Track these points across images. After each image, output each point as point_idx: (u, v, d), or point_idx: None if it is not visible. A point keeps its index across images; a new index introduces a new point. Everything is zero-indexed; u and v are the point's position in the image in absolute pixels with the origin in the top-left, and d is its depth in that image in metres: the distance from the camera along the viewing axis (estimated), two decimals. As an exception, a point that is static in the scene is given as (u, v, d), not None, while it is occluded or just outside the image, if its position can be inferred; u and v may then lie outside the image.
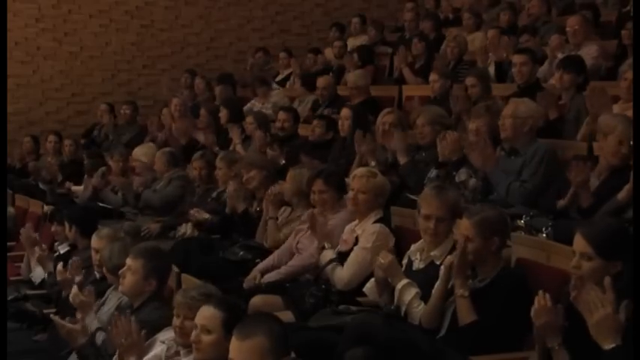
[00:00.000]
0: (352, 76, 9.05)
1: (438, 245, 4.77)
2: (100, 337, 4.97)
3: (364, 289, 4.99)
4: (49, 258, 6.72)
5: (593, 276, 3.66)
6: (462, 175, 5.94)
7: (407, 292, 4.63)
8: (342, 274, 5.31)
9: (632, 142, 4.90)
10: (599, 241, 3.72)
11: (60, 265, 5.89)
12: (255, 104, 10.13)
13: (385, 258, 4.72)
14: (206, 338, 3.87)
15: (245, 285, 5.89)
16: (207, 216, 7.09)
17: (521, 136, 5.79)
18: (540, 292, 3.69)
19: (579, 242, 3.79)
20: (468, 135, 6.13)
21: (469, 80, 7.57)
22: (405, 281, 4.66)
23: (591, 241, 3.73)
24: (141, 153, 8.87)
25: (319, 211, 5.84)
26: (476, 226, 4.37)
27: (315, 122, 8.16)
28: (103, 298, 5.52)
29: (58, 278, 5.84)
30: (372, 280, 4.92)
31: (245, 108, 9.90)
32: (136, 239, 6.28)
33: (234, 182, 7.03)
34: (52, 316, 5.27)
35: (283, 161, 7.63)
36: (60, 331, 4.96)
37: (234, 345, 3.44)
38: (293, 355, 3.60)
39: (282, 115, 8.59)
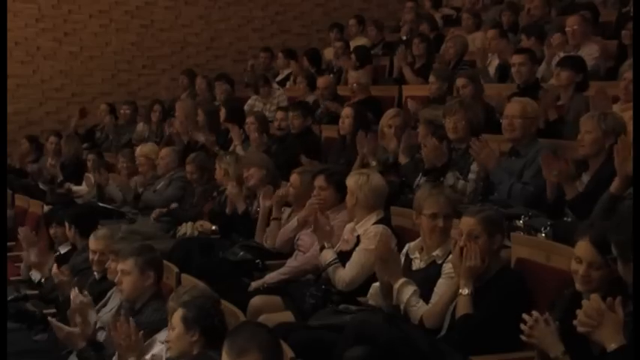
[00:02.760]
0: (354, 74, 9.07)
1: (439, 245, 4.77)
2: (100, 337, 4.97)
3: (368, 296, 4.97)
4: (44, 263, 6.70)
5: (602, 282, 3.64)
6: (449, 179, 5.94)
7: (405, 291, 4.63)
8: (343, 275, 5.31)
9: (587, 130, 5.12)
10: (609, 248, 3.59)
11: (54, 268, 5.88)
12: (256, 103, 10.12)
13: (384, 248, 4.77)
14: (171, 333, 4.14)
15: (252, 287, 5.89)
16: (213, 227, 7.09)
17: (525, 137, 5.78)
18: (525, 316, 3.63)
19: (587, 251, 3.69)
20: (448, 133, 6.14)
21: (459, 81, 7.60)
22: (402, 280, 4.66)
23: (601, 250, 3.64)
24: (147, 150, 8.85)
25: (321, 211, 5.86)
26: (482, 222, 4.38)
27: (291, 114, 8.17)
28: (105, 299, 5.53)
29: (55, 281, 5.83)
30: (374, 285, 4.91)
31: (245, 107, 9.90)
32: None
33: (234, 183, 7.01)
34: (49, 318, 5.26)
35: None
36: (58, 334, 4.95)
37: None
38: (291, 354, 3.60)
39: (279, 114, 8.60)
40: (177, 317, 4.14)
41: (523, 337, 3.62)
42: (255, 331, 3.52)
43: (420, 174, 6.16)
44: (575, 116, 6.57)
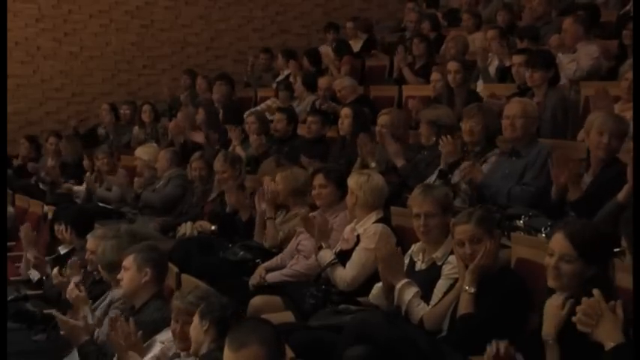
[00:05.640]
0: (338, 81, 9.08)
1: (438, 246, 4.77)
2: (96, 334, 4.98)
3: (369, 297, 4.97)
4: (45, 263, 6.72)
5: (572, 279, 3.63)
6: (455, 177, 5.94)
7: (407, 292, 4.63)
8: (344, 275, 5.30)
9: (612, 134, 5.04)
10: (583, 242, 3.64)
11: (56, 270, 5.90)
12: (272, 105, 10.09)
13: (386, 248, 4.74)
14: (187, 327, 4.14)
15: (250, 282, 5.91)
16: (213, 227, 7.09)
17: (526, 137, 5.78)
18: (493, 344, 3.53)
19: (560, 243, 3.67)
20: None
21: (451, 65, 7.60)
22: (404, 281, 4.66)
23: (574, 243, 3.64)
24: (142, 152, 8.88)
25: (319, 211, 5.85)
26: (479, 225, 4.36)
27: (310, 119, 8.15)
28: (102, 298, 5.53)
29: (54, 282, 5.85)
30: (377, 286, 4.91)
31: (259, 108, 9.90)
32: (133, 240, 6.28)
33: (236, 191, 6.97)
34: (54, 312, 5.28)
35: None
36: (62, 327, 4.95)
37: (229, 357, 3.39)
38: (292, 354, 3.59)
39: (277, 115, 8.60)
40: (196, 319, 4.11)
41: (573, 319, 3.41)
42: (256, 326, 3.51)
43: (436, 173, 6.15)
44: (552, 114, 6.55)
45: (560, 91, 6.82)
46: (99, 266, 5.59)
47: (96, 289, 5.66)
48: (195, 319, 4.07)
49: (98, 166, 9.20)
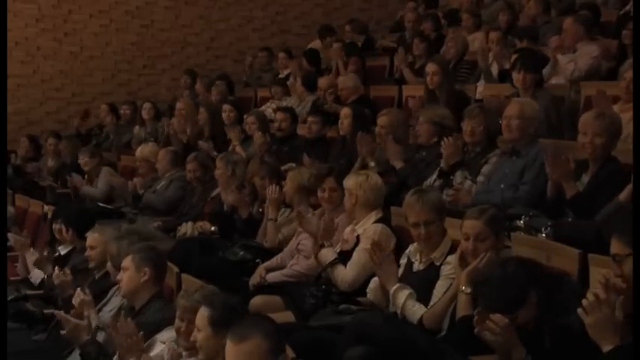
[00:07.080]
0: (342, 79, 9.08)
1: (436, 247, 4.77)
2: (100, 337, 4.97)
3: (367, 290, 4.98)
4: (47, 261, 6.72)
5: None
6: (458, 177, 5.94)
7: (400, 295, 4.64)
8: (345, 276, 5.30)
9: (595, 132, 5.10)
10: (501, 305, 3.67)
11: (57, 269, 5.90)
12: (271, 106, 10.09)
13: (380, 256, 4.75)
14: (198, 335, 3.94)
15: (250, 282, 5.91)
16: (213, 228, 7.09)
17: (524, 138, 5.77)
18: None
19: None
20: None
21: (430, 67, 7.56)
22: (396, 285, 4.67)
23: (498, 309, 3.68)
24: (146, 152, 8.84)
25: (320, 210, 5.85)
26: (488, 224, 4.37)
27: (310, 119, 8.15)
28: (106, 299, 5.52)
29: (55, 282, 5.84)
30: (374, 279, 4.92)
31: (261, 109, 9.89)
32: (138, 240, 6.28)
33: (236, 191, 6.97)
34: (56, 312, 5.27)
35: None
36: (64, 326, 4.94)
37: (230, 349, 3.38)
38: (292, 354, 3.58)
39: (280, 115, 8.58)
40: (203, 319, 3.97)
41: (579, 312, 3.32)
42: (258, 320, 3.51)
43: (436, 174, 6.14)
44: (545, 114, 6.55)
45: (548, 91, 6.80)
46: (108, 265, 5.58)
47: (96, 287, 5.65)
48: (203, 324, 3.97)
49: (81, 166, 9.19)
